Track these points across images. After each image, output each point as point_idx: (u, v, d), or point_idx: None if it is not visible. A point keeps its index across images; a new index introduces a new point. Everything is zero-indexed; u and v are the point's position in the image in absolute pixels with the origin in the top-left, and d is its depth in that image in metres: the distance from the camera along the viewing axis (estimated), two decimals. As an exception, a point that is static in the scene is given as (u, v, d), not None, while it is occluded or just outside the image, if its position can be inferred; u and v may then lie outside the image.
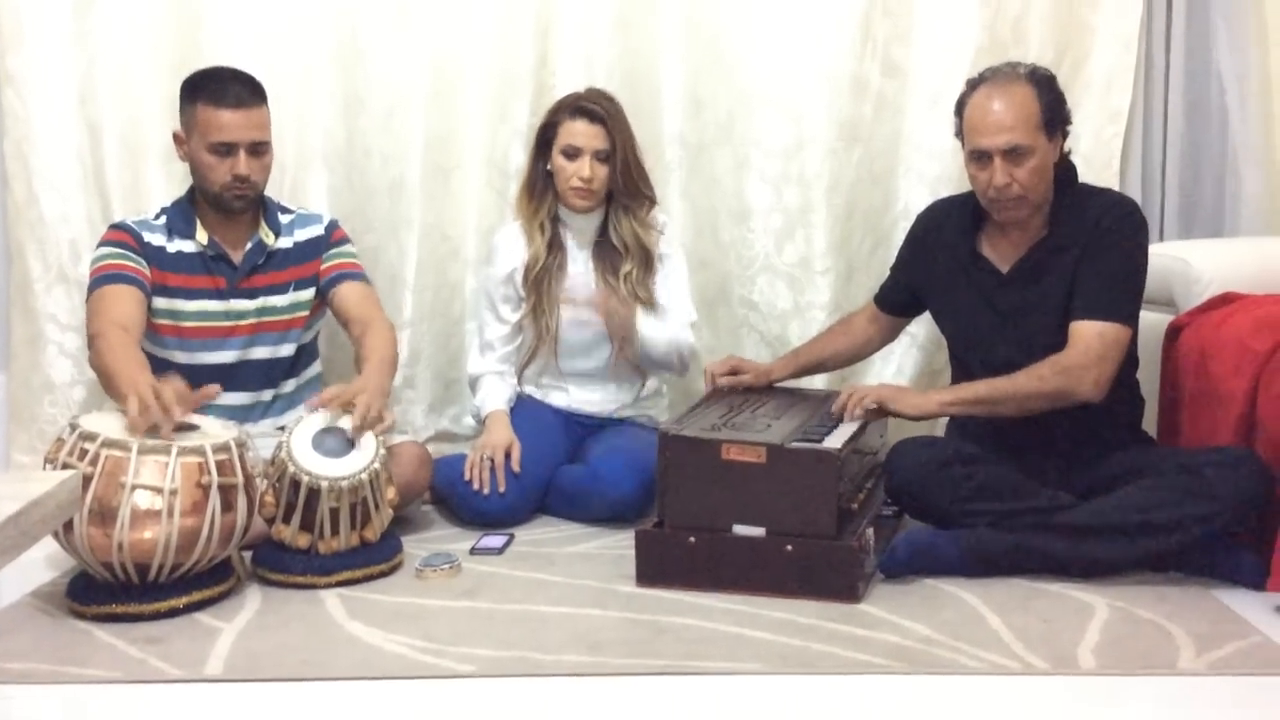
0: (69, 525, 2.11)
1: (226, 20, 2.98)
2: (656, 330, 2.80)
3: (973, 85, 2.44)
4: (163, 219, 2.63)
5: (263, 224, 2.66)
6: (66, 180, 3.00)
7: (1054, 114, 2.38)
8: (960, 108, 2.45)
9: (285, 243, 2.69)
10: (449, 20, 3.03)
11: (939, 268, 2.58)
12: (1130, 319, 2.41)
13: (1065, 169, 2.46)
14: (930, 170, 3.05)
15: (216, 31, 2.98)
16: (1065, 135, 2.44)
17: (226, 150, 2.53)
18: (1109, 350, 2.36)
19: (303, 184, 3.05)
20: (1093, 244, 2.39)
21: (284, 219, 2.71)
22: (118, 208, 2.97)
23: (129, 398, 2.20)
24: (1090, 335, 2.36)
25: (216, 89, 2.53)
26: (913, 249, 2.68)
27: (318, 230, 2.74)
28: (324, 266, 2.72)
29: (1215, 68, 3.10)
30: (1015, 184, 2.36)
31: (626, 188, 2.79)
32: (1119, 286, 2.39)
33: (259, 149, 2.57)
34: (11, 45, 2.94)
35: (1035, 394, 2.36)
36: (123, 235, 2.58)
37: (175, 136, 2.62)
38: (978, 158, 2.39)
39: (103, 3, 2.96)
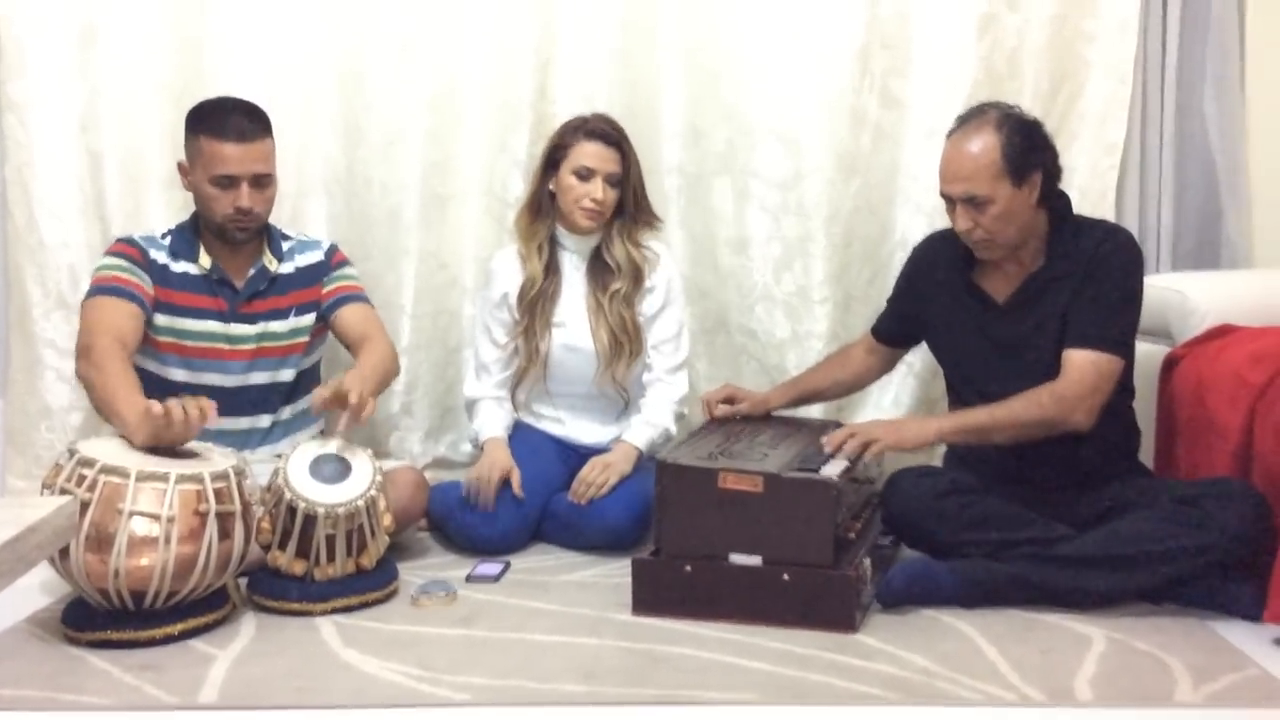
0: (65, 551, 2.11)
1: (228, 49, 3.00)
2: (648, 432, 2.80)
3: (953, 126, 2.45)
4: (168, 240, 2.64)
5: (266, 250, 2.68)
6: (67, 207, 3.01)
7: (1022, 161, 2.35)
8: None
9: (287, 268, 2.70)
10: (450, 51, 3.05)
11: (936, 299, 2.59)
12: (1124, 349, 2.41)
13: (1059, 201, 2.47)
14: (927, 201, 3.06)
15: (218, 60, 3.00)
16: (1052, 176, 2.42)
17: (228, 183, 2.54)
18: (1102, 380, 2.37)
19: (303, 211, 3.07)
20: (1088, 274, 2.40)
21: (285, 245, 2.72)
22: (117, 234, 2.97)
23: (152, 410, 2.20)
24: (1084, 364, 2.37)
25: (219, 121, 2.54)
26: (910, 281, 2.69)
27: (318, 256, 2.75)
28: (325, 290, 2.73)
29: (1200, 105, 3.13)
30: (979, 228, 2.38)
31: (636, 210, 2.82)
32: (1113, 316, 2.40)
33: (261, 181, 2.58)
34: (14, 72, 2.96)
35: (1031, 421, 2.37)
36: (128, 249, 2.59)
37: (180, 166, 2.63)
38: (945, 200, 2.42)
39: (105, 31, 2.98)
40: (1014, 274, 2.49)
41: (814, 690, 1.99)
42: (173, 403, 2.22)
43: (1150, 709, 1.94)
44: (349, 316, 2.71)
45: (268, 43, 3.01)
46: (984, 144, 2.36)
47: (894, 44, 3.06)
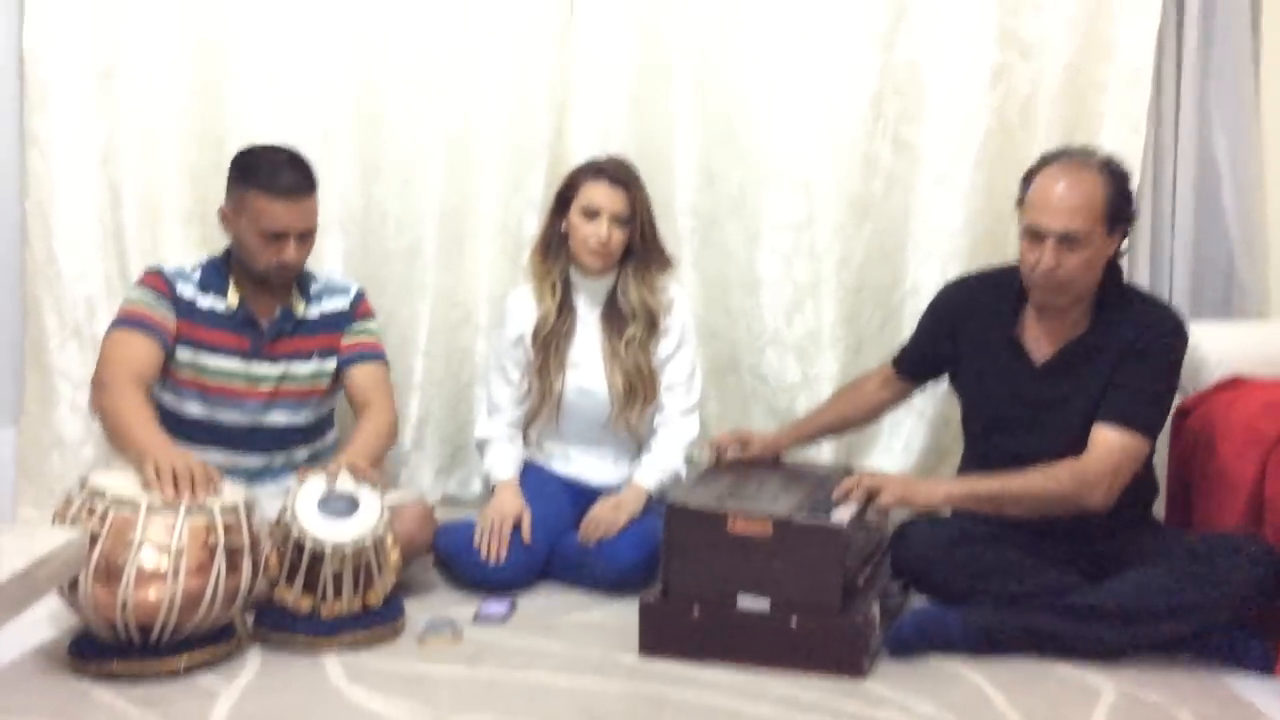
0: (74, 582, 2.11)
1: (248, 87, 3.04)
2: (658, 474, 2.80)
3: (1045, 160, 2.40)
4: (198, 274, 2.64)
5: (295, 292, 2.68)
6: (85, 240, 3.03)
7: (1119, 209, 2.33)
8: (1028, 179, 2.41)
9: (313, 312, 2.69)
10: (467, 93, 3.09)
11: (971, 346, 2.54)
12: (1154, 431, 2.38)
13: (1111, 267, 2.42)
14: (939, 247, 3.08)
15: (238, 98, 3.04)
16: (1125, 234, 2.40)
17: (276, 238, 2.54)
18: (1126, 462, 2.34)
19: (319, 247, 3.04)
20: (1134, 353, 2.36)
21: (313, 287, 2.72)
22: (135, 268, 2.99)
23: (151, 467, 2.21)
24: (1112, 443, 2.33)
25: (271, 176, 2.52)
26: (940, 321, 2.62)
27: (344, 303, 2.74)
28: (345, 342, 2.72)
29: (1214, 155, 3.14)
30: (1062, 269, 2.31)
31: (644, 251, 2.82)
32: (1151, 400, 2.36)
33: (306, 236, 2.59)
34: (37, 106, 2.99)
35: (1046, 497, 2.33)
36: (157, 282, 2.59)
37: (222, 213, 2.60)
38: (1032, 235, 2.34)
39: (127, 67, 3.02)
40: (1057, 335, 2.44)
41: (820, 737, 1.98)
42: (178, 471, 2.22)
43: (1160, 762, 1.93)
44: (359, 377, 2.70)
45: (286, 81, 3.05)
46: (1092, 184, 2.32)
47: (907, 91, 3.07)
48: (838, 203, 3.08)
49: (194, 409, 2.62)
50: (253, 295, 2.64)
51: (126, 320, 2.54)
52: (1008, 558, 2.38)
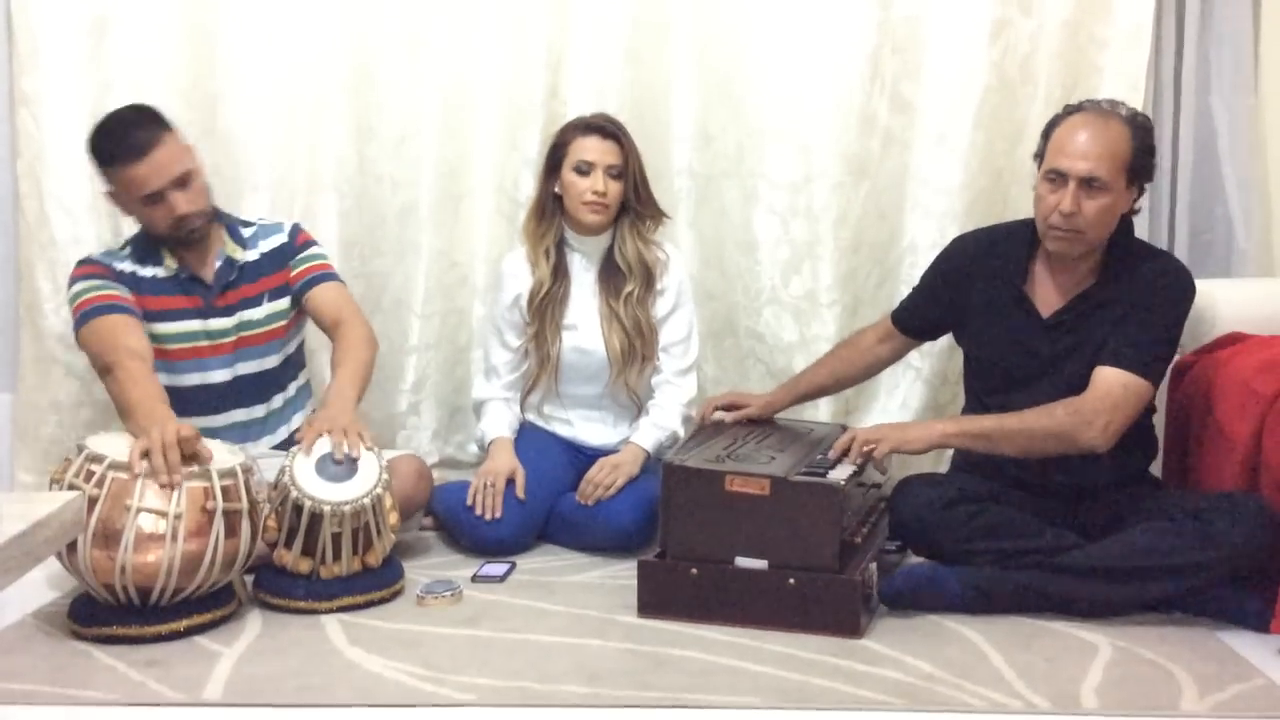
0: (72, 546, 2.12)
1: (241, 45, 3.00)
2: (656, 434, 2.81)
3: (1069, 111, 2.41)
4: (127, 249, 2.62)
5: (228, 240, 2.66)
6: (78, 202, 3.01)
7: (1141, 163, 2.34)
8: (1049, 129, 2.41)
9: (252, 255, 2.68)
10: (461, 50, 3.06)
11: (978, 301, 2.52)
12: (1156, 377, 2.38)
13: (1123, 222, 2.42)
14: (937, 206, 3.06)
15: (230, 56, 3.00)
16: (1142, 190, 2.40)
17: (158, 197, 2.51)
18: (1127, 401, 2.33)
19: (313, 209, 3.06)
20: (1140, 302, 2.36)
21: (246, 232, 2.70)
22: (128, 230, 2.97)
23: (142, 436, 2.20)
24: (1113, 382, 2.33)
25: (121, 145, 2.49)
26: (946, 277, 2.60)
27: (281, 238, 2.73)
28: (294, 272, 2.71)
29: (1211, 114, 3.11)
30: (1080, 216, 2.31)
31: (639, 204, 2.81)
32: (1153, 343, 2.36)
33: (184, 180, 2.53)
34: (27, 67, 2.96)
35: (1043, 433, 2.33)
36: (94, 268, 2.57)
37: (109, 197, 2.58)
38: (1053, 178, 2.34)
39: (118, 27, 2.98)
40: (1065, 287, 2.43)
41: (818, 695, 1.99)
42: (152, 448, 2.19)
43: (1155, 718, 1.94)
44: (322, 297, 2.69)
45: (280, 39, 3.01)
46: (1119, 132, 2.32)
47: (905, 48, 3.05)
48: (835, 161, 3.06)
49: (160, 377, 2.54)
50: (187, 256, 2.62)
51: (93, 309, 2.50)
52: (1005, 516, 2.38)
